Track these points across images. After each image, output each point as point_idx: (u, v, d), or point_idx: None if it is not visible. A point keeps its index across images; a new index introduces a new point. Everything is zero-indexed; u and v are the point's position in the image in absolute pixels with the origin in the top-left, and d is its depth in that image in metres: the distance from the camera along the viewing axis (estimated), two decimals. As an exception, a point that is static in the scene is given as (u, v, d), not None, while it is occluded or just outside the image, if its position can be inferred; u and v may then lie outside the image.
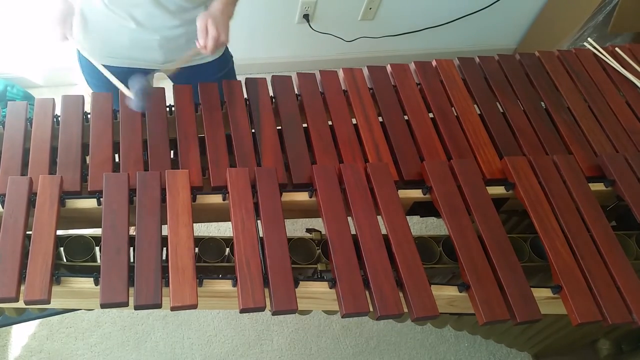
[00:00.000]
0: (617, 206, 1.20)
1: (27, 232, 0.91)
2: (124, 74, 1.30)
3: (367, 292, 0.91)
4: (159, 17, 1.22)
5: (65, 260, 1.05)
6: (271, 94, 1.23)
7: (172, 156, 1.13)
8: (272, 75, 1.27)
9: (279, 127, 1.18)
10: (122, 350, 1.76)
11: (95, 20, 1.25)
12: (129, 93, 1.06)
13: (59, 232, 0.94)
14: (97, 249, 1.07)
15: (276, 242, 0.94)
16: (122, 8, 1.20)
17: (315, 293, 0.95)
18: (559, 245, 1.01)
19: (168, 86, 1.21)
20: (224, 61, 1.45)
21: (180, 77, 1.36)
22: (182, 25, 1.26)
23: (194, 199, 1.00)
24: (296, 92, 1.25)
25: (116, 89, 1.11)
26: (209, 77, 1.38)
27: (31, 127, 1.10)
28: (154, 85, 1.44)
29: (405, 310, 0.91)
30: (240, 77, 1.33)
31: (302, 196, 1.05)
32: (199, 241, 1.11)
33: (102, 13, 1.23)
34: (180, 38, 1.28)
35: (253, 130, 1.16)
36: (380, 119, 1.22)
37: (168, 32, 1.26)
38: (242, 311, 0.87)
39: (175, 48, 1.30)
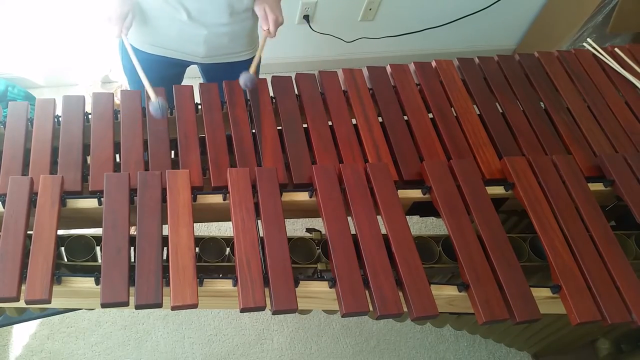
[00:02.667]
0: (616, 206, 1.20)
1: (28, 232, 0.91)
2: (163, 63, 1.40)
3: (367, 292, 0.92)
4: (210, 13, 1.28)
5: (66, 260, 1.05)
6: (271, 94, 1.24)
7: (172, 156, 1.13)
8: (272, 76, 1.27)
9: (279, 127, 1.18)
10: (122, 350, 1.76)
11: (147, 8, 1.29)
12: (154, 96, 1.08)
13: (60, 232, 0.94)
14: (97, 248, 1.08)
15: (276, 242, 0.94)
16: (178, 0, 1.25)
17: (315, 292, 0.95)
18: (558, 245, 1.01)
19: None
20: None
21: (215, 72, 1.45)
22: (229, 24, 1.32)
23: (194, 199, 1.00)
24: (296, 92, 1.25)
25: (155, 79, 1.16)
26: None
27: (32, 128, 1.10)
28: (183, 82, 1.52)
29: (405, 309, 0.92)
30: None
31: (302, 196, 1.06)
32: (199, 241, 1.11)
33: (156, 2, 1.27)
34: (224, 36, 1.35)
35: (253, 131, 1.16)
36: (380, 119, 1.23)
37: (216, 29, 1.32)
38: (243, 310, 0.87)
39: (218, 45, 1.37)
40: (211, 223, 1.97)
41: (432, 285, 0.94)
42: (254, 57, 1.46)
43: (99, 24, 2.09)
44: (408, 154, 1.16)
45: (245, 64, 1.45)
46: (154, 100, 1.08)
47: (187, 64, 1.45)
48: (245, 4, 1.29)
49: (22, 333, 1.74)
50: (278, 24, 1.25)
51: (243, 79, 1.18)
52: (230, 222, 0.97)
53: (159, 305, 0.85)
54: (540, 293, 0.97)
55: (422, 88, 1.30)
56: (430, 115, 1.25)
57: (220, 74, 1.43)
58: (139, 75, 1.12)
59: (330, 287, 0.94)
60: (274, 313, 0.88)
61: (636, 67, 1.43)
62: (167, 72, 1.45)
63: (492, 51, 1.60)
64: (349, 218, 1.00)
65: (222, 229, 1.99)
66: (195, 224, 0.95)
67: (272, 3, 1.26)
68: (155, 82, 1.16)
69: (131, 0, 1.20)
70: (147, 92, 1.11)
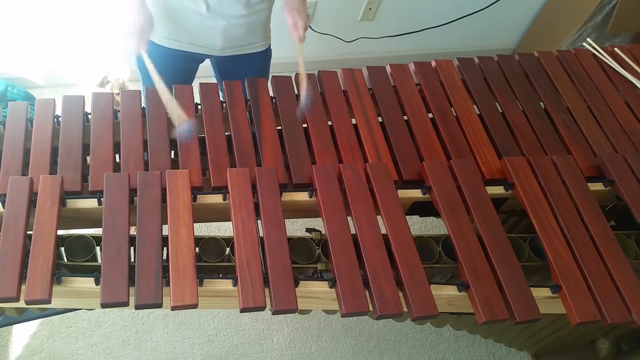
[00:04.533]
0: (616, 206, 1.20)
1: (28, 232, 0.91)
2: (179, 58, 1.41)
3: (366, 292, 0.92)
4: (228, 5, 1.29)
5: (66, 260, 1.05)
6: (271, 94, 1.24)
7: (172, 156, 1.13)
8: (272, 76, 1.27)
9: (279, 127, 1.18)
10: (122, 350, 1.76)
11: (167, 3, 1.30)
12: (184, 117, 1.09)
13: (60, 232, 0.94)
14: (97, 248, 1.08)
15: (276, 242, 0.94)
16: None
17: (315, 292, 0.95)
18: (558, 245, 1.01)
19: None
20: (270, 53, 1.53)
21: (229, 65, 1.46)
22: (247, 16, 1.33)
23: (194, 199, 1.00)
24: (296, 92, 1.25)
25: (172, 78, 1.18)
26: (256, 66, 1.48)
27: (32, 128, 1.10)
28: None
29: (405, 309, 0.92)
30: (241, 78, 1.33)
31: (302, 196, 1.06)
32: (199, 241, 1.11)
33: None
34: (242, 27, 1.36)
35: (253, 131, 1.16)
36: (379, 119, 1.23)
37: (234, 20, 1.33)
38: (243, 311, 0.87)
39: (235, 36, 1.37)
40: (211, 223, 1.97)
41: (432, 285, 0.94)
42: (266, 49, 1.49)
43: (119, 36, 2.09)
44: (408, 154, 1.16)
45: (259, 56, 1.47)
46: (185, 122, 1.08)
47: (202, 57, 1.45)
48: None
49: (22, 333, 1.73)
50: (306, 28, 1.29)
51: (303, 106, 1.18)
52: (230, 222, 0.97)
53: (159, 305, 0.85)
54: (540, 293, 0.97)
55: (422, 88, 1.30)
56: (430, 115, 1.25)
57: (233, 67, 1.45)
58: (162, 96, 1.12)
59: (330, 287, 0.94)
60: (274, 313, 0.88)
61: (636, 67, 1.43)
62: (181, 67, 1.46)
63: (492, 51, 1.60)
64: (349, 218, 1.00)
65: (222, 229, 1.99)
66: (195, 224, 0.95)
67: (301, 9, 1.28)
68: (168, 78, 1.16)
69: (148, 11, 1.20)
70: (170, 109, 1.10)
